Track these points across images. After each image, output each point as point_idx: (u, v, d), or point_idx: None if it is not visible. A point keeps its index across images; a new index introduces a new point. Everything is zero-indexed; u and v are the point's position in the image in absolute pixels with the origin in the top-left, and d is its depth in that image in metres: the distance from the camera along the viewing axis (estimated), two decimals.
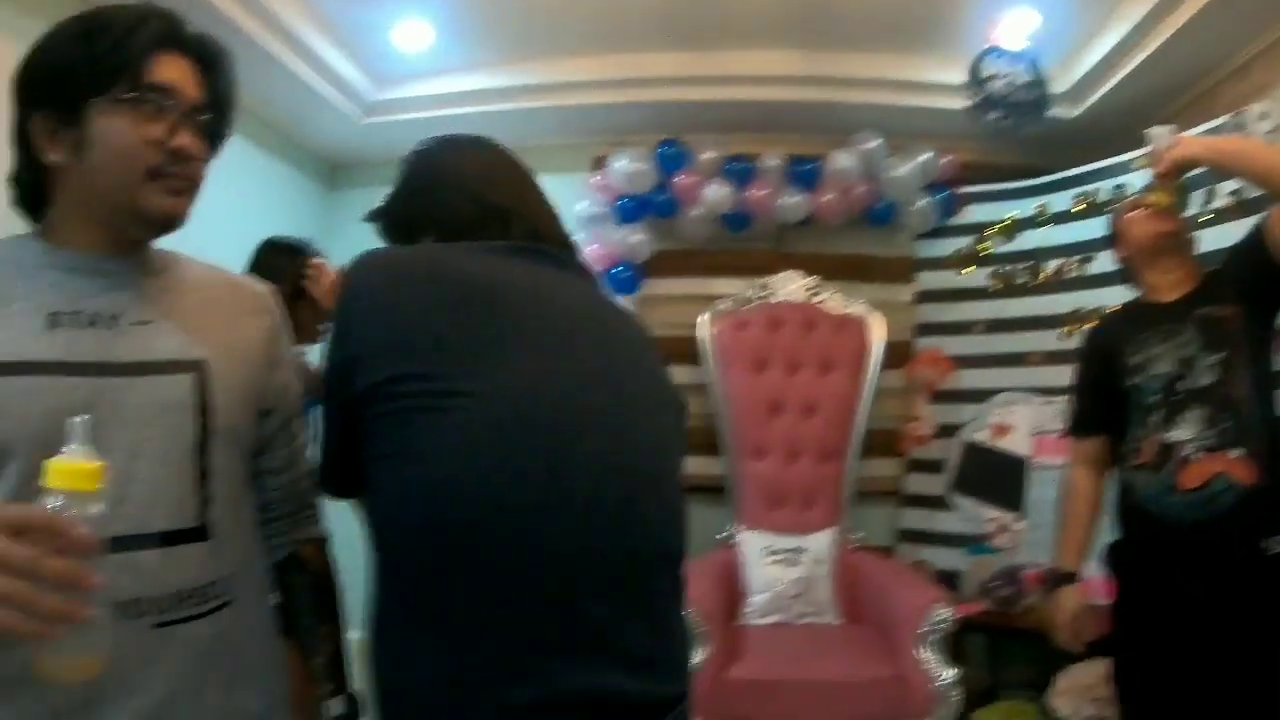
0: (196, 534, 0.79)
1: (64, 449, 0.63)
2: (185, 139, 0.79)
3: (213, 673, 0.80)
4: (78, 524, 0.61)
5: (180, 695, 0.77)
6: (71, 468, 0.63)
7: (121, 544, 0.70)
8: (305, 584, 0.95)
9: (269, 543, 0.95)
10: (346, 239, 1.15)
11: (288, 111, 2.82)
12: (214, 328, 0.85)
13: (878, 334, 2.80)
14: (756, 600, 2.57)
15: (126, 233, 0.81)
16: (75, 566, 0.61)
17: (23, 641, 0.62)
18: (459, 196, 0.90)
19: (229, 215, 2.24)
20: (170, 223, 0.81)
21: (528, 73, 2.79)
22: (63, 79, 0.76)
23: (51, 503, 0.62)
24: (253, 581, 0.88)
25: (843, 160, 2.78)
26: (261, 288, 0.96)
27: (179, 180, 0.79)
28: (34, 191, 0.81)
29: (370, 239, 0.95)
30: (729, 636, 2.28)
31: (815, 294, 2.84)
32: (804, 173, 2.83)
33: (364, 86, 2.83)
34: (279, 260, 1.76)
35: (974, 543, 2.69)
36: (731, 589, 2.56)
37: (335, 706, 0.94)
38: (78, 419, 0.65)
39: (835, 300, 2.84)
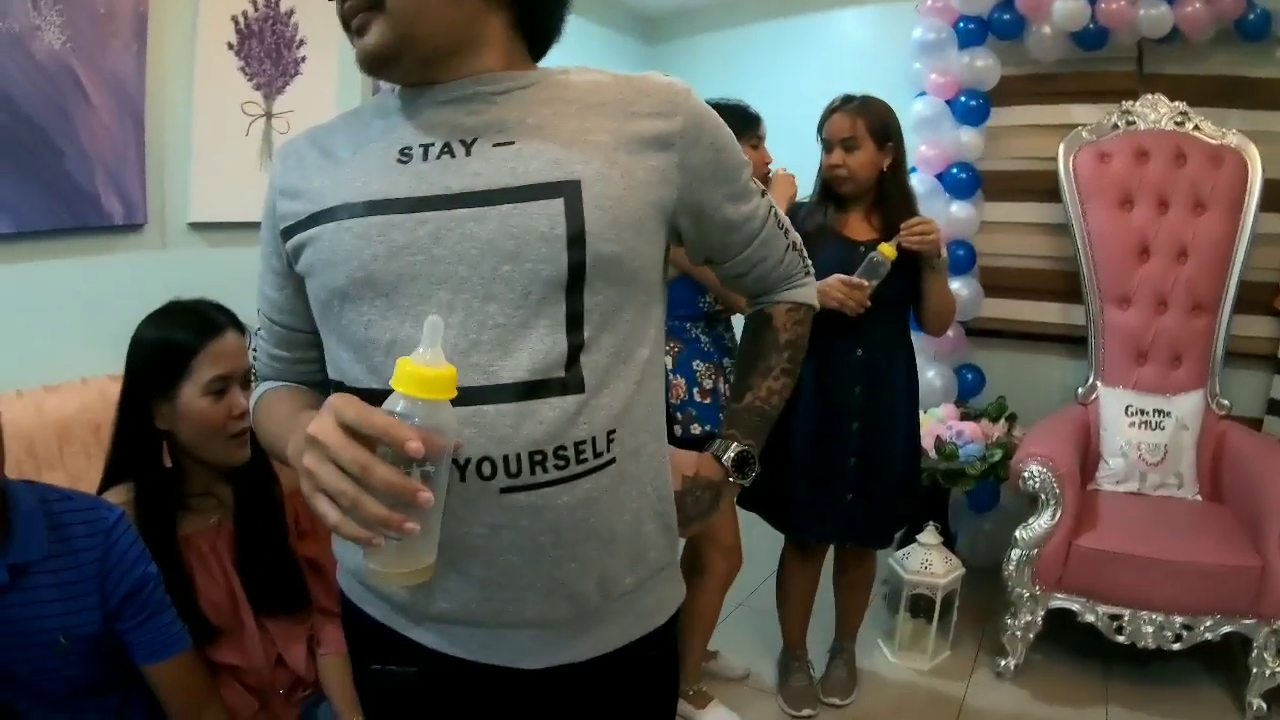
0: (563, 385, 0.67)
1: (417, 351, 0.56)
2: None
3: (571, 544, 0.70)
4: (413, 437, 0.53)
5: (528, 566, 0.69)
6: (421, 374, 0.55)
7: (467, 396, 0.63)
8: (758, 337, 0.93)
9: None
10: None
11: None
12: (596, 141, 0.69)
13: (1256, 169, 2.38)
14: (1112, 465, 2.36)
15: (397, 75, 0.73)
16: (403, 482, 0.55)
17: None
18: None
19: None
20: (365, 59, 0.70)
21: None
22: None
23: (397, 406, 0.55)
24: (639, 440, 0.74)
25: None
26: (671, 82, 0.75)
27: (354, 14, 0.68)
28: None
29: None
30: (1081, 501, 2.12)
31: (1184, 121, 2.45)
32: None
33: None
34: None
35: None
36: (1087, 450, 2.36)
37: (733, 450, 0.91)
38: (431, 318, 0.56)
39: (1207, 129, 2.44)
